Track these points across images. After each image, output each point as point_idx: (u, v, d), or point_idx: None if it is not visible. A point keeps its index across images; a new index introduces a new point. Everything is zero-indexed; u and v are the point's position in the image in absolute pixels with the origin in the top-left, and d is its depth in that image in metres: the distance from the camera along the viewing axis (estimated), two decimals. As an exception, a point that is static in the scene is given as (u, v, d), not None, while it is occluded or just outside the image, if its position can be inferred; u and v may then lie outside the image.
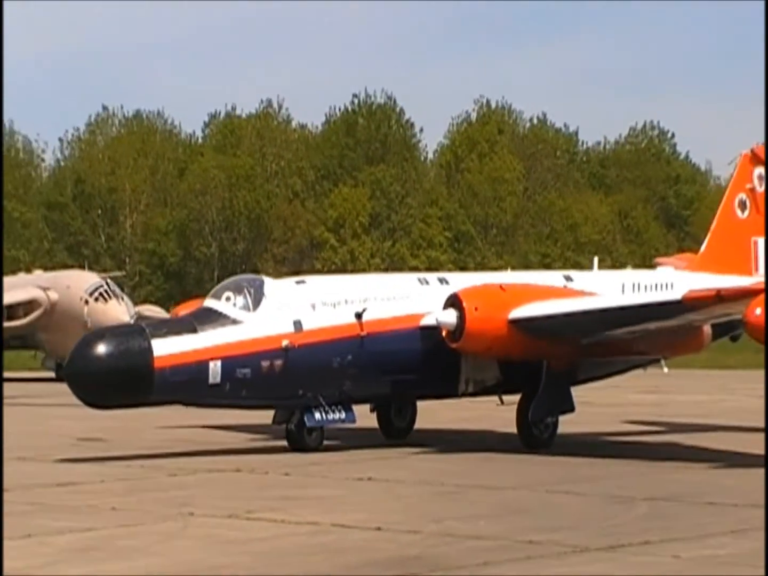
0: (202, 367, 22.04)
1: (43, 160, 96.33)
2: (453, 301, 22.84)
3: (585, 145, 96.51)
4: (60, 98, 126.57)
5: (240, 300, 22.87)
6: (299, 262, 79.87)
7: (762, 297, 20.74)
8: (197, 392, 22.26)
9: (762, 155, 27.11)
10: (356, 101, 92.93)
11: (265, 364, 22.39)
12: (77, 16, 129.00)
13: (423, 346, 23.26)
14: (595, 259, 29.37)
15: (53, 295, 49.65)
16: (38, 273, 57.26)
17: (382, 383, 23.47)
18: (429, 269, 70.72)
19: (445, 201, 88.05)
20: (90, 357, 21.96)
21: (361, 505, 16.58)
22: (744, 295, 21.03)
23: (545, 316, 22.83)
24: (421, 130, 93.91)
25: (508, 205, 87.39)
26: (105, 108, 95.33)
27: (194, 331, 22.36)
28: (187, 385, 22.04)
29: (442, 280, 24.59)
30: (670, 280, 26.27)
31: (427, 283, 24.46)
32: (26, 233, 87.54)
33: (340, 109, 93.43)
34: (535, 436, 23.50)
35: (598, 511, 16.02)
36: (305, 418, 22.72)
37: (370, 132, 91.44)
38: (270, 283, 23.70)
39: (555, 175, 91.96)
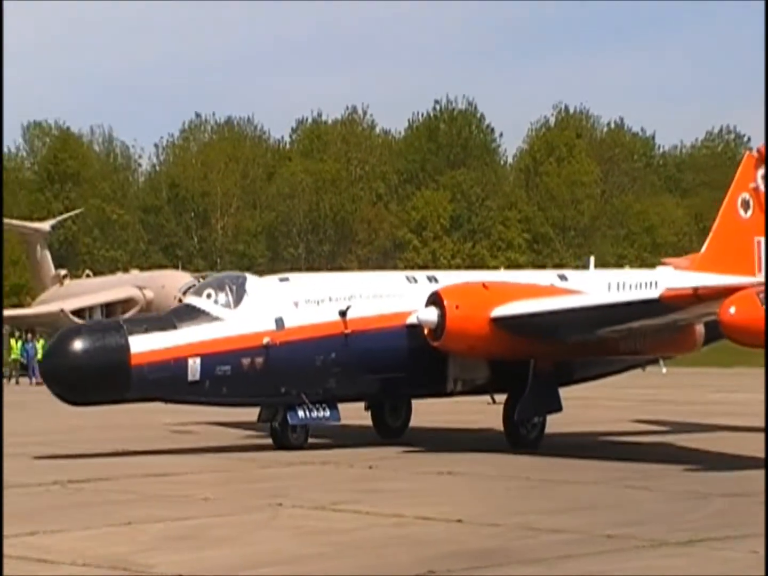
0: (180, 364, 21.29)
1: (139, 165, 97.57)
2: (434, 299, 21.92)
3: (662, 149, 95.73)
4: (156, 106, 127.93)
5: (221, 297, 22.12)
6: (383, 263, 79.89)
7: (739, 295, 19.28)
8: (176, 389, 21.50)
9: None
10: (438, 107, 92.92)
11: (245, 361, 21.64)
12: (171, 27, 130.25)
13: (409, 344, 22.37)
14: (591, 258, 28.59)
15: (149, 294, 50.27)
16: (135, 273, 57.96)
17: (368, 382, 22.64)
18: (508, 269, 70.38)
19: (523, 204, 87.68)
20: (66, 353, 21.29)
21: (443, 498, 16.50)
22: (722, 294, 19.75)
23: (526, 315, 21.86)
24: (501, 134, 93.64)
25: (585, 207, 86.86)
26: (198, 115, 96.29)
27: (173, 327, 21.64)
28: (165, 382, 21.29)
29: (431, 279, 23.60)
30: (657, 280, 25.10)
31: (415, 281, 23.49)
32: (124, 235, 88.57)
33: (422, 115, 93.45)
34: (522, 435, 22.68)
35: (675, 506, 15.79)
36: (288, 417, 22.03)
37: (452, 137, 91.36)
38: (252, 281, 22.91)
39: (632, 179, 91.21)
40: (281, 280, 23.25)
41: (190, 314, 21.98)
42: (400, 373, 22.58)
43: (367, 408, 24.48)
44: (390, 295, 22.87)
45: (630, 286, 24.83)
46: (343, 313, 22.21)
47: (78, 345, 21.14)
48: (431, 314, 21.78)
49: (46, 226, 57.85)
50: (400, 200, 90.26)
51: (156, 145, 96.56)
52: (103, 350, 21.04)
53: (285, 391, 21.92)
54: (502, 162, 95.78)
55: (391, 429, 24.64)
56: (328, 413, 22.33)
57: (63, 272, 58.99)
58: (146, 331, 21.45)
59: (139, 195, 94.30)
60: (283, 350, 21.79)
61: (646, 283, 24.99)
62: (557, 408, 23.02)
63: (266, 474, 19.38)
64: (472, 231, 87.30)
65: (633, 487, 17.40)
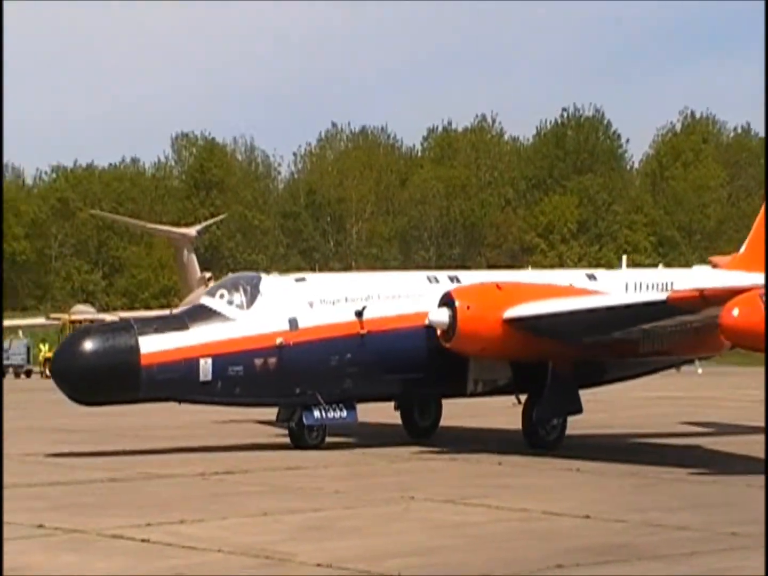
0: (191, 364, 20.68)
1: (279, 173, 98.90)
2: (446, 300, 21.09)
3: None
4: (294, 117, 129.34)
5: (234, 297, 21.47)
6: (511, 266, 79.56)
7: (741, 297, 18.38)
8: (187, 390, 20.89)
9: None
10: (565, 114, 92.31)
11: (258, 361, 20.97)
12: (308, 42, 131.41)
13: (428, 344, 21.43)
14: (624, 258, 27.59)
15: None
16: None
17: (385, 382, 21.85)
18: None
19: (650, 208, 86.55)
20: (75, 354, 20.75)
21: (570, 495, 16.32)
22: (728, 295, 18.70)
23: (537, 316, 20.93)
24: (627, 140, 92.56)
25: (712, 211, 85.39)
26: (334, 125, 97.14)
27: (185, 328, 21.00)
28: (176, 383, 20.67)
29: (453, 279, 22.65)
30: (673, 280, 23.74)
31: (437, 281, 22.50)
32: (264, 239, 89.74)
33: (550, 123, 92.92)
34: (541, 436, 21.79)
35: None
36: (304, 417, 21.45)
37: (579, 143, 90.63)
38: (267, 281, 22.08)
39: (758, 183, 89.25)
40: (297, 280, 22.50)
41: (202, 315, 21.34)
42: (418, 373, 21.78)
43: (396, 408, 23.77)
44: (409, 296, 22.01)
45: (647, 287, 23.45)
46: (359, 314, 21.49)
47: (88, 346, 20.59)
48: (443, 315, 20.95)
49: (192, 231, 58.75)
50: (528, 205, 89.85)
51: (294, 154, 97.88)
52: (113, 351, 20.47)
53: (300, 391, 21.29)
54: (628, 167, 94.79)
55: (420, 429, 23.89)
56: (345, 413, 21.65)
57: (208, 275, 59.71)
58: (157, 331, 20.85)
59: (279, 201, 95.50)
60: (297, 351, 21.14)
61: (662, 284, 23.56)
62: (577, 409, 22.05)
63: (395, 469, 19.39)
64: (598, 235, 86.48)
65: (752, 485, 16.99)
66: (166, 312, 26.50)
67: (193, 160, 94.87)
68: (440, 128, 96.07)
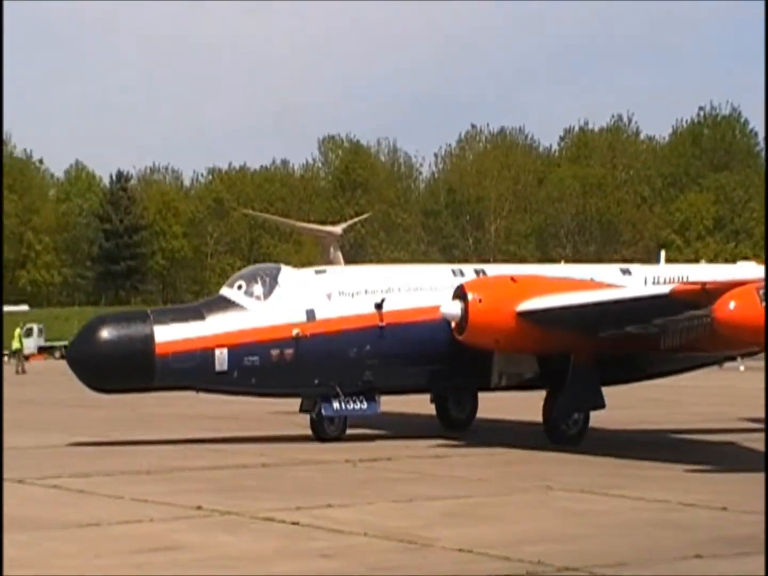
0: (207, 354, 20.15)
1: (420, 173, 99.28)
2: (459, 293, 20.19)
3: None
4: (435, 119, 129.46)
5: (252, 288, 20.84)
6: (647, 263, 78.39)
7: (737, 290, 17.12)
8: (203, 379, 20.37)
9: None
10: (702, 113, 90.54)
11: (274, 352, 20.32)
12: (445, 48, 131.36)
13: (449, 337, 20.41)
14: (662, 253, 26.26)
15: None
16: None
17: (407, 375, 21.08)
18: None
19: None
20: (91, 341, 20.33)
21: (706, 486, 15.96)
22: (730, 289, 17.42)
23: (549, 309, 19.83)
24: (765, 138, 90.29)
25: None
26: (473, 126, 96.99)
27: (202, 318, 20.46)
28: (192, 372, 20.16)
29: (478, 272, 21.78)
30: (689, 274, 22.25)
31: (462, 274, 21.56)
32: (406, 237, 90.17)
33: (686, 121, 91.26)
34: (562, 431, 20.74)
35: None
36: (322, 408, 20.83)
37: (715, 141, 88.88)
38: (286, 272, 21.45)
39: None
40: (317, 272, 21.96)
41: (220, 305, 20.81)
42: (439, 366, 21.04)
43: (432, 400, 23.10)
44: (431, 288, 21.17)
45: (664, 281, 21.98)
46: (378, 306, 20.76)
47: (103, 334, 20.17)
48: (455, 308, 20.05)
49: (338, 229, 59.13)
50: (664, 203, 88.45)
51: (435, 155, 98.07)
52: (128, 339, 20.06)
53: (319, 382, 20.63)
54: (765, 164, 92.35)
55: (455, 421, 23.22)
56: (365, 405, 20.92)
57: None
58: (173, 321, 20.39)
59: (420, 200, 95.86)
60: (314, 342, 20.48)
61: (681, 278, 22.08)
62: (599, 404, 20.90)
63: (532, 457, 19.23)
64: (735, 232, 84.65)
65: None
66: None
67: (339, 162, 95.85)
68: (576, 128, 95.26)
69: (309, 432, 21.66)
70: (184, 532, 12.32)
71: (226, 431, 23.27)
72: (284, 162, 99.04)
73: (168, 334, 20.10)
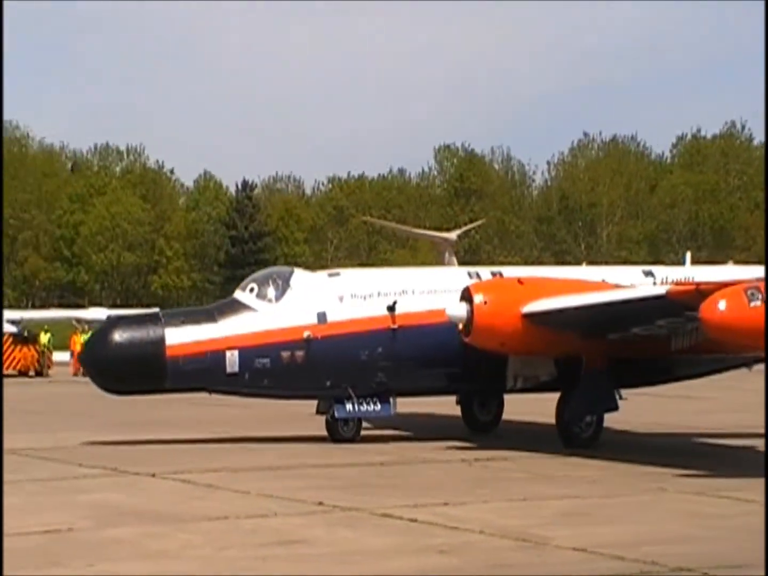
0: (218, 356, 19.79)
1: (533, 180, 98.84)
2: (465, 295, 19.52)
3: None
4: (548, 128, 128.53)
5: (264, 291, 20.42)
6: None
7: (726, 290, 16.26)
8: (215, 380, 19.98)
9: None
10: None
11: (285, 354, 19.89)
12: (560, 58, 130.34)
13: (462, 340, 19.67)
14: (687, 254, 25.00)
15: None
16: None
17: (421, 377, 20.46)
18: None
19: None
20: (103, 344, 20.10)
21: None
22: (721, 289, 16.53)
23: (552, 311, 19.08)
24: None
25: None
26: (586, 134, 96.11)
27: (213, 321, 20.13)
28: (202, 374, 19.80)
29: (495, 275, 21.11)
30: (695, 275, 21.13)
31: (478, 277, 20.93)
32: (519, 242, 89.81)
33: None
34: (575, 434, 19.96)
35: None
36: (335, 410, 20.33)
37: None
38: (299, 275, 21.09)
39: None
40: (331, 275, 21.40)
41: (231, 308, 20.46)
42: (453, 368, 20.43)
43: (458, 402, 22.47)
44: (446, 291, 20.39)
45: (666, 282, 20.88)
46: (391, 308, 20.23)
47: (115, 337, 19.92)
48: (461, 310, 19.36)
49: (453, 235, 59.14)
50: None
51: (548, 163, 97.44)
52: (140, 342, 19.78)
53: (331, 384, 20.17)
54: None
55: (480, 423, 22.49)
56: (378, 407, 20.39)
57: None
58: (184, 323, 20.07)
59: (533, 207, 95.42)
60: (325, 344, 20.02)
61: (684, 279, 21.07)
62: (612, 407, 20.16)
63: (648, 460, 18.91)
64: None
65: None
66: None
67: (454, 170, 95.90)
68: (689, 135, 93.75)
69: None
70: (306, 526, 12.41)
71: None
72: (401, 171, 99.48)
73: (179, 336, 19.85)
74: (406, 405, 21.94)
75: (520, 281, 19.86)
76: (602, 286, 20.27)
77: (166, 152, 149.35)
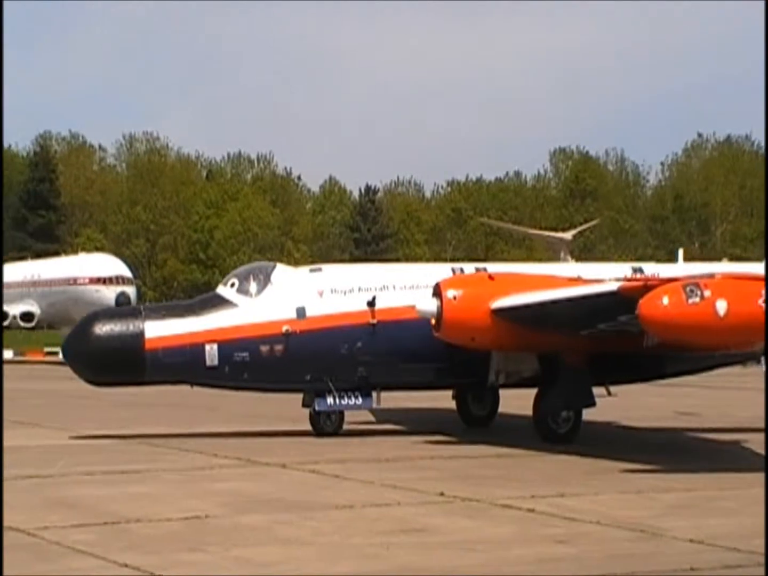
0: (197, 349, 19.40)
1: (647, 180, 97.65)
2: (435, 290, 18.88)
3: None
4: (661, 129, 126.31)
5: (245, 286, 20.06)
6: None
7: (663, 288, 15.61)
8: (194, 373, 19.61)
9: None
10: None
11: (264, 348, 19.48)
12: (666, 60, 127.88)
13: None
14: (680, 251, 23.88)
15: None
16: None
17: (402, 371, 19.85)
18: None
19: None
20: (84, 337, 19.80)
21: None
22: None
23: (515, 307, 18.37)
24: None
25: None
26: (699, 135, 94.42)
27: (193, 315, 19.75)
28: (182, 367, 19.43)
29: (479, 270, 20.39)
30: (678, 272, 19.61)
31: (462, 272, 20.26)
32: (634, 242, 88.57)
33: None
34: (552, 429, 19.28)
35: None
36: (316, 403, 19.91)
37: None
38: (280, 271, 20.60)
39: None
40: (312, 270, 20.99)
41: (213, 302, 20.13)
42: (434, 363, 19.82)
43: (453, 397, 21.83)
44: (427, 286, 19.51)
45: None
46: (370, 304, 19.67)
47: (96, 330, 19.59)
48: (430, 305, 18.81)
49: (568, 235, 58.65)
50: None
51: (662, 163, 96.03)
52: (119, 335, 19.46)
53: (311, 378, 19.74)
54: None
55: (475, 418, 21.86)
56: (360, 400, 19.96)
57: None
58: (164, 317, 19.73)
59: (647, 206, 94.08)
60: (304, 338, 19.57)
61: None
62: (589, 403, 19.39)
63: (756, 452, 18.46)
64: None
65: None
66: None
67: (569, 172, 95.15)
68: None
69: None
70: (428, 516, 12.44)
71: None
72: (517, 173, 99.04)
73: (158, 329, 19.54)
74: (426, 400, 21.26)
75: (490, 277, 19.33)
76: (572, 282, 19.41)
77: (294, 160, 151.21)
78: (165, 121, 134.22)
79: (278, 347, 19.60)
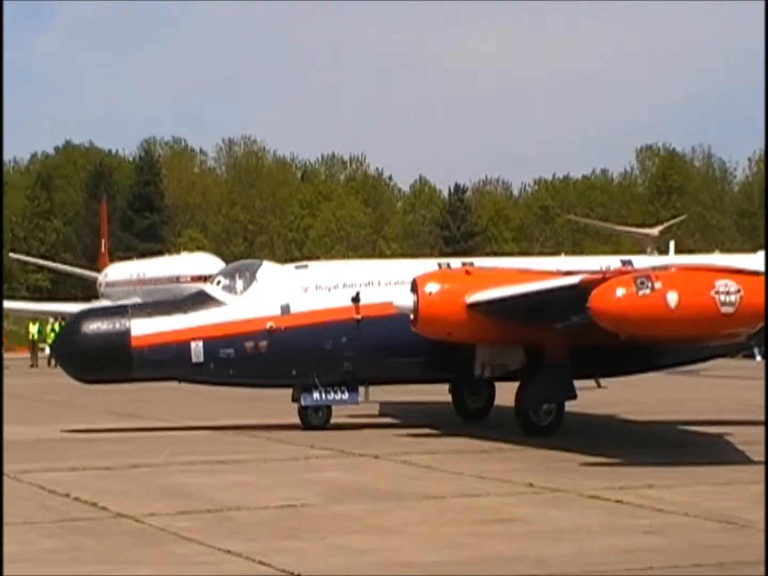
0: (182, 346, 19.29)
1: (734, 176, 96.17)
2: (412, 286, 18.50)
3: None
4: (749, 125, 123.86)
5: (230, 284, 19.89)
6: None
7: (615, 280, 15.12)
8: (181, 370, 19.49)
9: None
10: None
11: (248, 345, 19.31)
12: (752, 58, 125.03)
13: None
14: (671, 243, 22.98)
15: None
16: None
17: (387, 366, 19.52)
18: None
19: None
20: (72, 335, 19.82)
21: None
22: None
23: (489, 301, 17.92)
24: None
25: None
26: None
27: (179, 312, 19.63)
28: (168, 364, 19.31)
29: (465, 265, 19.78)
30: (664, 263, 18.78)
31: (448, 267, 19.78)
32: (720, 236, 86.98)
33: None
34: (533, 422, 18.79)
35: None
36: (301, 398, 19.71)
37: None
38: (266, 268, 20.35)
39: None
40: (298, 267, 20.71)
41: (199, 300, 20.00)
42: (420, 357, 19.43)
43: (450, 390, 21.48)
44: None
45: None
46: (355, 299, 19.42)
47: (84, 328, 19.55)
48: (407, 300, 18.51)
49: (655, 231, 57.86)
50: None
51: (749, 159, 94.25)
52: (106, 333, 19.41)
53: (297, 373, 19.54)
54: None
55: (470, 411, 21.43)
56: (346, 395, 19.74)
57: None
58: (150, 315, 19.64)
59: (734, 202, 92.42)
60: (288, 335, 19.36)
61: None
62: (570, 395, 18.82)
63: None
64: None
65: None
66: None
67: (655, 169, 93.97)
68: None
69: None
70: (518, 506, 12.37)
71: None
72: (604, 171, 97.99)
73: (144, 327, 19.48)
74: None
75: (467, 272, 18.98)
76: (547, 275, 18.76)
77: (385, 160, 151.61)
78: (262, 124, 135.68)
79: (262, 343, 19.45)
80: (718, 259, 21.38)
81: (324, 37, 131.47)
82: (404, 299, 18.70)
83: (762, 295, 14.91)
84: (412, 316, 18.56)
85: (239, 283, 20.04)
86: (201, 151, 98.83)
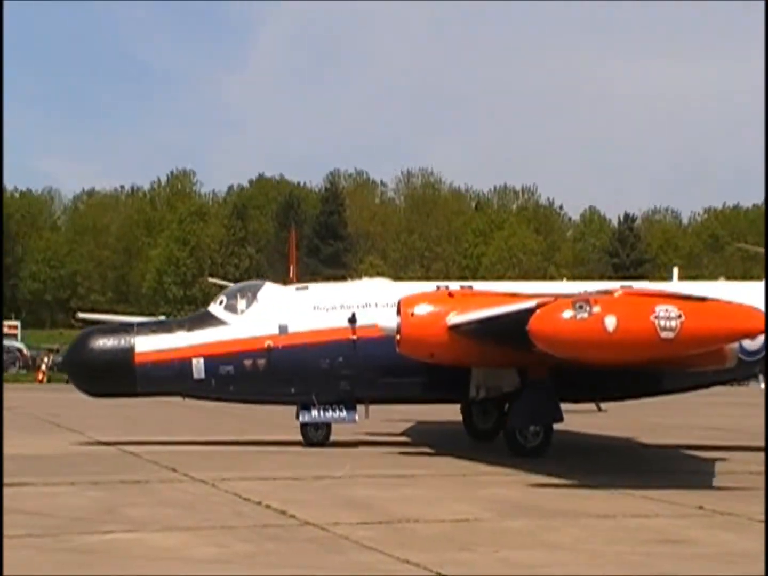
0: (184, 363, 19.37)
1: None
2: (398, 308, 17.97)
3: None
4: None
5: (232, 304, 19.87)
6: None
7: (553, 303, 14.56)
8: (183, 386, 19.54)
9: None
10: None
11: (247, 362, 19.29)
12: None
13: None
14: (675, 269, 21.73)
15: None
16: None
17: (384, 386, 19.24)
18: None
19: None
20: (80, 351, 19.86)
21: None
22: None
23: (466, 323, 17.29)
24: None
25: None
26: None
27: (183, 330, 19.70)
28: (171, 379, 19.40)
29: (464, 288, 19.25)
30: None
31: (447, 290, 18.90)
32: None
33: None
34: (520, 444, 18.15)
35: None
36: (300, 415, 19.59)
37: None
38: (267, 289, 20.21)
39: None
40: (298, 288, 20.58)
41: (202, 319, 20.03)
42: (416, 378, 19.03)
43: (461, 410, 20.96)
44: None
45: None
46: (351, 320, 19.21)
47: (90, 344, 19.70)
48: (391, 322, 18.17)
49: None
50: None
51: None
52: (112, 349, 19.56)
53: (295, 391, 19.44)
54: None
55: (479, 431, 20.97)
56: (344, 414, 19.58)
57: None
58: (154, 333, 19.74)
59: None
60: (286, 353, 19.29)
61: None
62: (556, 418, 18.21)
63: None
64: None
65: None
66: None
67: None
68: None
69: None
70: (687, 528, 11.93)
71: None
72: None
73: (148, 344, 19.65)
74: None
75: (450, 294, 18.49)
76: (528, 298, 17.35)
77: (556, 190, 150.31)
78: (438, 157, 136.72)
79: (261, 361, 19.52)
80: (724, 286, 20.61)
81: (495, 76, 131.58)
82: (388, 321, 18.57)
83: (704, 321, 14.43)
84: (397, 337, 18.26)
85: (241, 303, 20.17)
86: (381, 182, 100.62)
